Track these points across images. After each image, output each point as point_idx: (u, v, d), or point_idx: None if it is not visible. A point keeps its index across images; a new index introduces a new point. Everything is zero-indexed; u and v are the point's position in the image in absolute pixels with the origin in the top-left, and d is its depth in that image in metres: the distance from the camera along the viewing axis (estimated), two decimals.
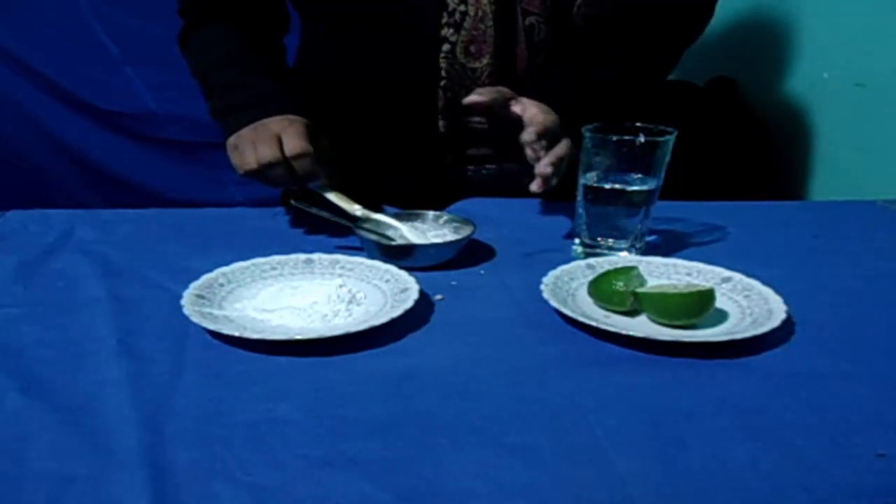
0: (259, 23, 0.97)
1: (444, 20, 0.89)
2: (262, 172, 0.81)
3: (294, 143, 0.80)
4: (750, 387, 0.56)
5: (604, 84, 0.95)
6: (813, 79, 1.46)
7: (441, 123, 0.95)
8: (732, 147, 1.58)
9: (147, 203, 1.55)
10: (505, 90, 0.85)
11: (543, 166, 0.80)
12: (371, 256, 0.76)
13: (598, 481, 0.45)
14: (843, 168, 1.39)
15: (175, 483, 0.44)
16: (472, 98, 0.83)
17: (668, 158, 0.76)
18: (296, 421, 0.51)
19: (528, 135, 0.82)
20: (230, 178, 1.95)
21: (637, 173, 0.76)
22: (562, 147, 0.84)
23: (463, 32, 0.89)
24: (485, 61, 0.91)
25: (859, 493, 0.45)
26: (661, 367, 0.58)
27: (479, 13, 0.89)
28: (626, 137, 0.75)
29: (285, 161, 0.80)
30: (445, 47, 0.90)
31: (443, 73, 0.92)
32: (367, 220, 0.82)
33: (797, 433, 0.50)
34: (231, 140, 0.84)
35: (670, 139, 0.75)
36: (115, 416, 0.51)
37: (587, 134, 0.76)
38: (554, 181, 0.82)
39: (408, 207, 0.88)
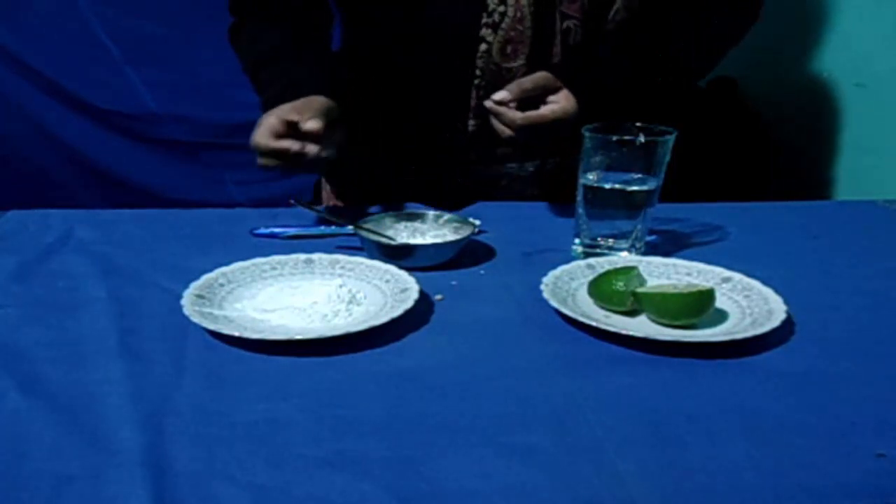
0: (304, 18, 0.98)
1: (483, 20, 0.90)
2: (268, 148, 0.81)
3: (252, 140, 0.80)
4: (750, 387, 0.56)
5: (642, 84, 0.95)
6: (813, 79, 1.46)
7: (471, 123, 0.95)
8: (732, 147, 1.58)
9: (147, 203, 1.55)
10: (544, 79, 0.86)
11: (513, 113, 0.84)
12: (371, 256, 0.76)
13: (598, 481, 0.45)
14: (843, 168, 1.39)
15: (175, 483, 0.44)
16: (501, 96, 0.84)
17: (668, 158, 0.76)
18: (296, 421, 0.51)
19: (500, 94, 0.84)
20: (230, 178, 1.96)
21: (637, 173, 0.76)
22: (546, 110, 0.85)
23: (500, 33, 0.90)
24: (520, 62, 0.91)
25: (859, 493, 0.45)
26: (661, 367, 0.58)
27: (518, 14, 0.89)
28: (626, 137, 0.75)
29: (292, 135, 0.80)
30: (482, 47, 0.91)
31: (478, 73, 0.92)
32: (367, 220, 0.82)
33: (797, 433, 0.50)
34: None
35: (670, 139, 0.75)
36: (115, 416, 0.51)
37: (587, 134, 0.76)
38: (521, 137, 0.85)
39: (425, 203, 0.89)
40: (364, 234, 0.78)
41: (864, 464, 0.47)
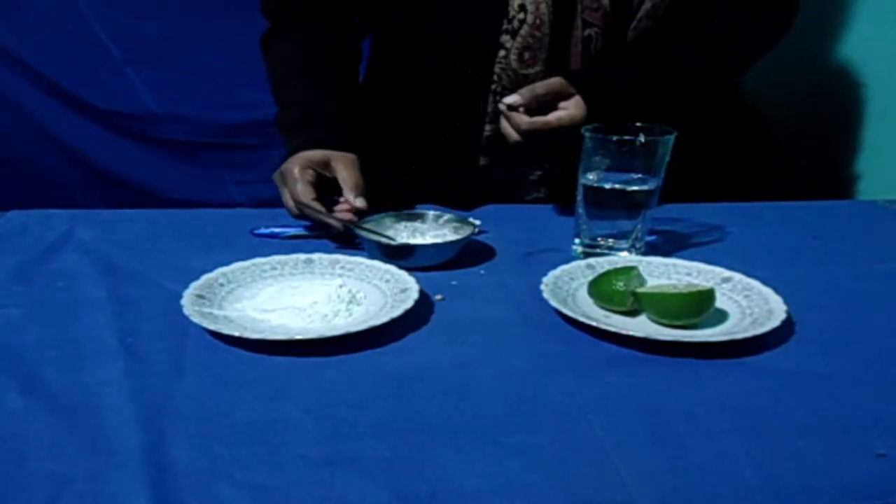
0: (337, 28, 0.99)
1: (504, 27, 0.90)
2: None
3: (296, 197, 0.83)
4: (750, 387, 0.56)
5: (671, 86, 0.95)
6: (813, 79, 1.46)
7: (487, 128, 0.95)
8: (732, 147, 1.57)
9: (147, 203, 1.55)
10: (558, 85, 0.86)
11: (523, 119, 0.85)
12: (372, 256, 0.76)
13: (598, 481, 0.45)
14: (843, 168, 1.39)
15: (175, 483, 0.44)
16: (512, 100, 0.85)
17: (668, 158, 0.76)
18: (296, 421, 0.51)
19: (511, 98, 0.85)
20: (230, 178, 1.95)
21: (637, 173, 0.76)
22: (554, 115, 0.85)
23: (518, 39, 0.89)
24: (537, 68, 0.91)
25: (859, 493, 0.45)
26: (661, 367, 0.58)
27: (538, 21, 0.89)
28: (626, 137, 0.75)
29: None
30: (501, 53, 0.91)
31: (495, 78, 0.92)
32: (367, 220, 0.82)
33: (797, 433, 0.50)
34: (275, 177, 0.88)
35: (670, 139, 0.75)
36: (115, 416, 0.51)
37: (587, 134, 0.76)
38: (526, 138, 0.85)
39: (434, 204, 0.90)
40: (364, 233, 0.78)
41: (864, 464, 0.47)
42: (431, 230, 0.83)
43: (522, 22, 0.89)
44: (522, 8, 0.88)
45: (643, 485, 0.45)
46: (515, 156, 0.93)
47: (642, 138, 0.75)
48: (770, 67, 1.57)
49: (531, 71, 0.91)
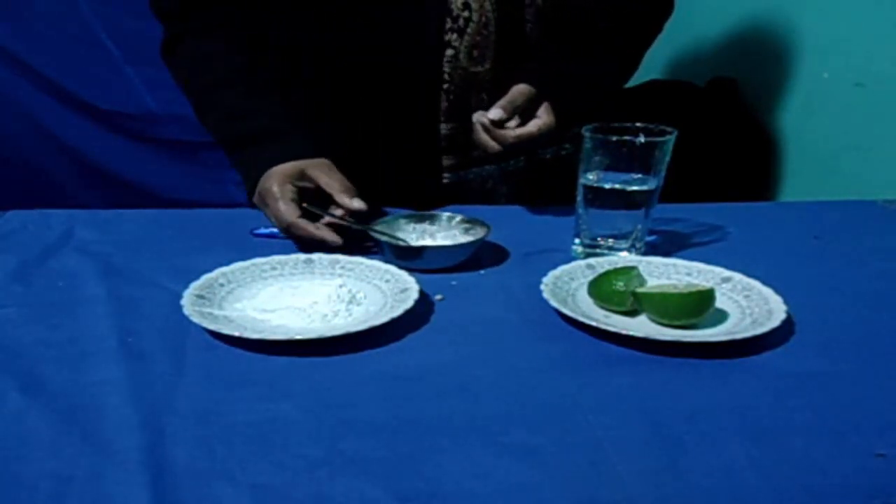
0: (261, 26, 0.94)
1: (448, 26, 0.90)
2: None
3: (281, 218, 0.79)
4: (750, 387, 0.56)
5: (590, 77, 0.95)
6: (813, 79, 1.46)
7: (443, 127, 0.95)
8: (733, 147, 1.58)
9: (147, 203, 1.55)
10: (532, 93, 0.87)
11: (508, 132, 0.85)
12: (385, 258, 0.76)
13: (598, 481, 0.45)
14: (843, 168, 1.39)
15: (175, 483, 0.44)
16: (494, 115, 0.85)
17: (668, 158, 0.76)
18: (296, 421, 0.51)
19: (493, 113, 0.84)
20: (230, 178, 1.95)
21: (637, 173, 0.76)
22: (532, 126, 0.87)
23: (466, 38, 0.90)
24: (487, 66, 0.92)
25: (859, 493, 0.45)
26: (661, 367, 0.58)
27: (483, 19, 0.89)
28: (626, 137, 0.75)
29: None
30: (449, 52, 0.91)
31: (446, 78, 0.92)
32: (380, 222, 0.81)
33: (797, 433, 0.50)
34: (255, 200, 0.84)
35: (670, 139, 0.75)
36: (115, 416, 0.51)
37: (587, 134, 0.76)
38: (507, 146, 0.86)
39: (408, 208, 0.88)
40: (377, 235, 0.77)
41: (864, 464, 0.47)
42: (442, 231, 0.82)
43: (468, 20, 0.89)
44: (466, 6, 0.89)
45: (643, 485, 0.45)
46: (492, 156, 0.93)
47: (642, 138, 0.75)
48: (770, 67, 1.57)
49: (481, 69, 0.92)
